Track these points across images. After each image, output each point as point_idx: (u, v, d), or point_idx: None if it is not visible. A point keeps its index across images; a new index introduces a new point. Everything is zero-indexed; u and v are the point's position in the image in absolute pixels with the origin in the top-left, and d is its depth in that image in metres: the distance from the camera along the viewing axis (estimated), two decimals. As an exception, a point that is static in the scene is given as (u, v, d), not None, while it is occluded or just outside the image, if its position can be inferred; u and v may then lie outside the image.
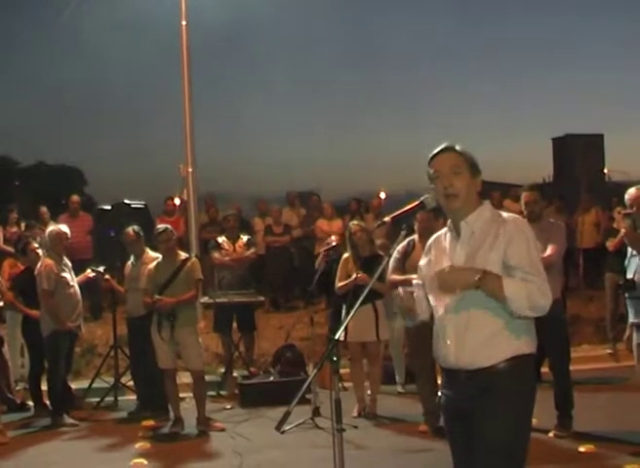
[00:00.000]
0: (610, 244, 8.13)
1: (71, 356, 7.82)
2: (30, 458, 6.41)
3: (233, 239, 9.19)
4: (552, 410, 6.08)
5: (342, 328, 3.23)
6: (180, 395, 7.33)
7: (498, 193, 12.24)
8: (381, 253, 7.24)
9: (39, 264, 7.49)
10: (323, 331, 8.70)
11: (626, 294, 5.95)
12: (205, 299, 8.92)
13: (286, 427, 3.36)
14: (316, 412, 6.82)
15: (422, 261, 3.32)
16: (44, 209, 11.75)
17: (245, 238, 9.28)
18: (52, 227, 7.91)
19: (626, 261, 5.99)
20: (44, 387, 7.71)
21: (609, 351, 9.18)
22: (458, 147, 3.14)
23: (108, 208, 9.26)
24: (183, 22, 11.30)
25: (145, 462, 6.04)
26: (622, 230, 6.34)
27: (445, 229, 3.25)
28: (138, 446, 6.54)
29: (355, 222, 7.52)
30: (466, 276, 2.93)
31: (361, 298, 3.09)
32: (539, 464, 4.94)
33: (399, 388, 8.26)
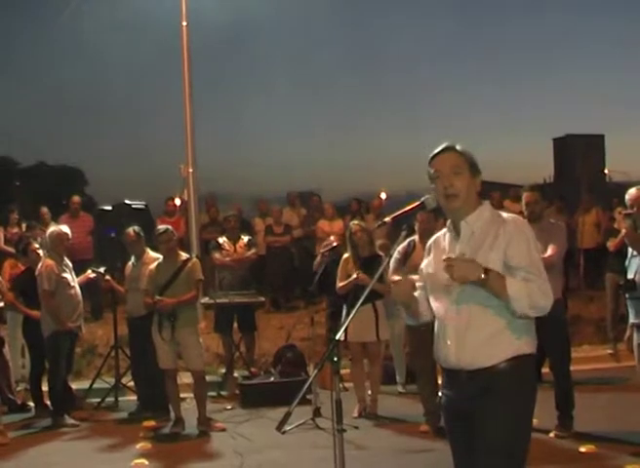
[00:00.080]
0: (610, 244, 8.12)
1: (72, 356, 7.82)
2: (31, 459, 6.41)
3: (234, 239, 9.19)
4: (553, 411, 6.08)
5: (343, 328, 3.23)
6: (181, 395, 7.34)
7: (498, 193, 12.24)
8: (382, 253, 7.25)
9: (40, 265, 7.49)
10: (324, 332, 8.70)
11: (627, 295, 5.95)
12: (206, 300, 8.92)
13: (287, 427, 3.36)
14: (317, 413, 6.83)
15: (423, 263, 3.32)
16: (45, 209, 11.75)
17: (246, 238, 9.28)
18: (52, 228, 7.91)
19: (627, 262, 5.99)
20: (45, 388, 7.71)
21: (609, 351, 9.18)
22: (458, 147, 3.14)
23: (109, 208, 9.26)
24: (184, 23, 11.30)
25: (146, 462, 6.04)
26: (623, 230, 6.34)
27: (444, 230, 3.25)
28: (138, 446, 6.54)
29: (355, 222, 7.52)
30: (473, 270, 2.92)
31: (362, 299, 3.09)
32: (539, 464, 4.95)
33: (400, 388, 8.26)
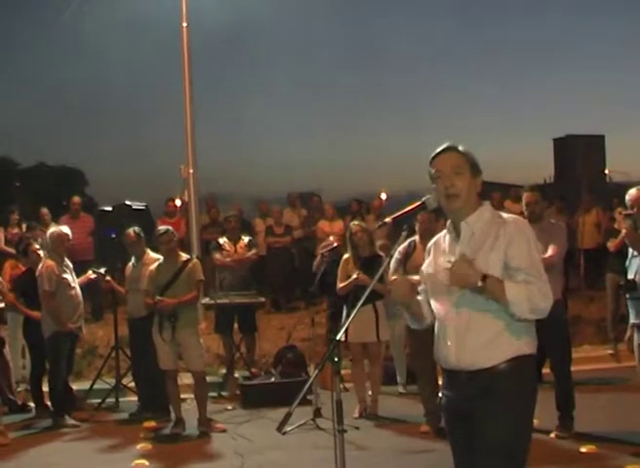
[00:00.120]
0: (611, 244, 8.12)
1: (72, 357, 7.82)
2: (31, 459, 6.41)
3: (234, 240, 9.19)
4: (553, 411, 6.08)
5: (344, 329, 3.23)
6: (182, 396, 7.34)
7: (498, 194, 12.24)
8: (382, 253, 7.25)
9: (40, 265, 7.50)
10: (324, 332, 8.71)
11: (627, 295, 5.95)
12: (206, 300, 8.92)
13: (287, 428, 3.35)
14: (317, 413, 6.83)
15: (424, 264, 3.32)
16: (45, 210, 11.75)
17: (246, 239, 9.28)
18: (53, 228, 7.92)
19: (627, 262, 5.99)
20: (45, 388, 7.72)
21: (610, 352, 9.19)
22: (460, 147, 3.14)
23: (109, 209, 9.25)
24: (184, 24, 11.31)
25: (147, 463, 6.04)
26: (623, 231, 6.35)
27: (444, 231, 3.25)
28: (139, 447, 6.54)
29: (356, 223, 7.52)
30: (470, 276, 2.92)
31: (362, 299, 3.09)
32: (540, 465, 4.94)
33: (400, 389, 8.26)
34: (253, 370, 8.71)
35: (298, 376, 8.03)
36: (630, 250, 5.95)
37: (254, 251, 9.29)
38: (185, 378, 7.56)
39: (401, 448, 6.21)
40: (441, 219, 6.26)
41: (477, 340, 2.99)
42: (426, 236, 5.99)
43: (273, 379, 8.14)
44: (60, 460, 6.36)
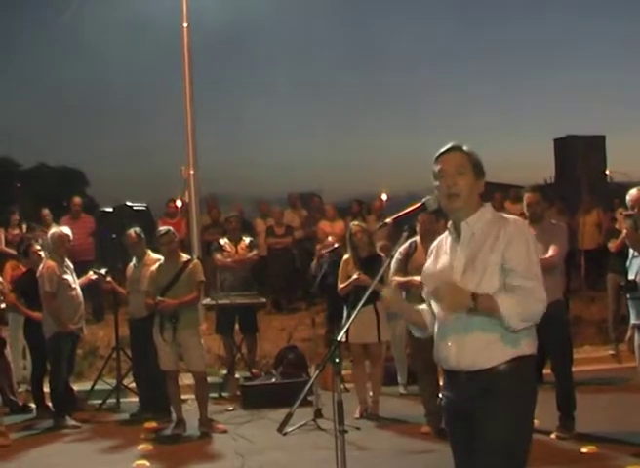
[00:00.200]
0: (611, 245, 8.13)
1: (73, 358, 7.82)
2: (32, 460, 6.42)
3: (235, 241, 9.19)
4: (554, 412, 6.08)
5: (344, 329, 3.23)
6: (182, 397, 7.34)
7: (499, 194, 12.24)
8: (381, 253, 7.26)
9: (41, 266, 7.50)
10: (324, 333, 8.71)
11: (628, 296, 5.96)
12: (207, 301, 8.91)
13: (288, 429, 3.36)
14: (318, 414, 6.83)
15: (426, 265, 3.32)
16: (46, 211, 11.77)
17: (247, 239, 9.28)
18: (54, 229, 7.93)
19: (628, 262, 6.00)
20: (46, 389, 7.72)
21: (611, 352, 9.18)
22: (465, 148, 3.15)
23: (110, 210, 9.25)
24: (185, 24, 11.31)
25: (148, 464, 6.05)
26: (624, 231, 6.35)
27: (446, 232, 3.25)
28: (140, 447, 6.55)
29: (356, 223, 7.52)
30: (461, 301, 2.94)
31: (363, 300, 3.09)
32: (541, 465, 4.94)
33: (401, 389, 8.26)
34: (253, 370, 8.71)
35: (298, 377, 8.03)
36: (631, 250, 5.95)
37: (255, 251, 9.30)
38: (186, 379, 7.56)
39: (402, 448, 6.21)
40: (442, 220, 6.27)
41: (477, 341, 2.99)
42: (427, 237, 6.01)
43: (274, 380, 8.14)
44: (61, 461, 6.37)
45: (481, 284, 2.99)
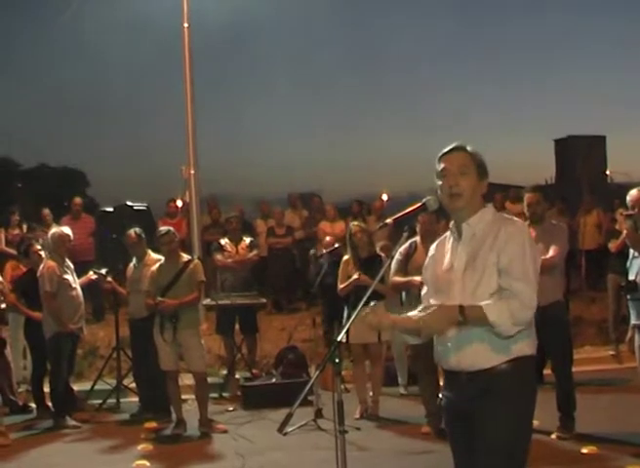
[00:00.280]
0: (612, 245, 8.12)
1: (73, 358, 7.82)
2: (32, 460, 6.42)
3: (236, 241, 9.19)
4: (555, 412, 6.08)
5: (345, 329, 3.23)
6: (183, 397, 7.34)
7: (500, 195, 12.24)
8: (381, 253, 7.26)
9: (41, 266, 7.50)
10: (323, 333, 8.71)
11: (628, 296, 5.95)
12: (207, 301, 8.92)
13: (288, 429, 3.36)
14: (318, 414, 6.83)
15: (426, 265, 3.32)
16: (46, 211, 11.78)
17: (247, 240, 9.28)
18: (54, 229, 7.93)
19: (628, 263, 6.00)
20: (46, 389, 7.72)
21: (611, 352, 9.18)
22: (468, 148, 3.14)
23: (110, 210, 9.25)
24: (185, 25, 11.31)
25: (148, 464, 6.05)
26: (624, 232, 6.34)
27: (448, 232, 3.25)
28: (140, 447, 6.55)
29: (356, 223, 7.52)
30: (449, 318, 2.93)
31: (364, 300, 3.09)
32: (541, 465, 4.94)
33: (401, 389, 8.26)
34: (254, 370, 8.71)
35: (299, 377, 8.03)
36: (631, 250, 5.95)
37: (255, 252, 9.30)
38: (186, 379, 7.56)
39: (402, 448, 6.21)
40: (442, 221, 6.28)
41: (477, 341, 2.99)
42: (427, 237, 6.00)
43: (274, 380, 8.14)
44: (61, 461, 6.37)
45: (481, 283, 2.99)
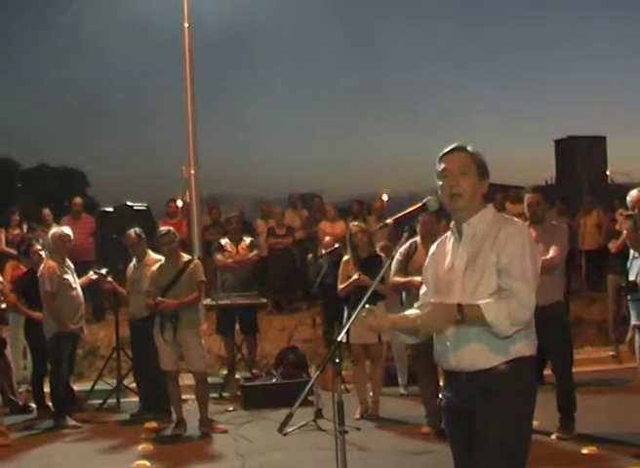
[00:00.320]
0: (612, 246, 8.11)
1: (74, 358, 7.82)
2: (33, 460, 6.42)
3: (236, 241, 9.19)
4: (555, 412, 6.08)
5: (345, 330, 3.23)
6: (183, 397, 7.33)
7: (500, 195, 12.23)
8: (381, 253, 7.26)
9: (42, 266, 7.51)
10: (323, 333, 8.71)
11: (629, 296, 5.95)
12: (207, 301, 8.92)
13: (288, 429, 3.36)
14: (319, 414, 6.82)
15: (426, 265, 3.32)
16: (47, 211, 11.78)
17: (248, 240, 9.28)
18: (54, 229, 7.93)
19: (628, 263, 6.00)
20: (46, 389, 7.72)
21: (611, 353, 9.18)
22: (469, 148, 3.14)
23: (111, 210, 9.25)
24: (185, 25, 11.31)
25: (148, 464, 6.05)
26: (624, 232, 6.34)
27: (449, 233, 3.25)
28: (140, 447, 6.55)
29: (355, 223, 7.53)
30: (448, 316, 2.93)
31: (364, 300, 3.09)
32: (541, 466, 4.93)
33: (402, 390, 8.26)
34: (254, 370, 8.71)
35: (299, 377, 8.03)
36: (631, 251, 5.95)
37: (255, 252, 9.30)
38: (187, 379, 7.56)
39: (402, 449, 6.21)
40: (442, 221, 6.28)
41: (477, 341, 2.99)
42: (428, 237, 6.00)
43: (274, 380, 8.14)
44: (62, 461, 6.37)
45: (480, 283, 2.99)
